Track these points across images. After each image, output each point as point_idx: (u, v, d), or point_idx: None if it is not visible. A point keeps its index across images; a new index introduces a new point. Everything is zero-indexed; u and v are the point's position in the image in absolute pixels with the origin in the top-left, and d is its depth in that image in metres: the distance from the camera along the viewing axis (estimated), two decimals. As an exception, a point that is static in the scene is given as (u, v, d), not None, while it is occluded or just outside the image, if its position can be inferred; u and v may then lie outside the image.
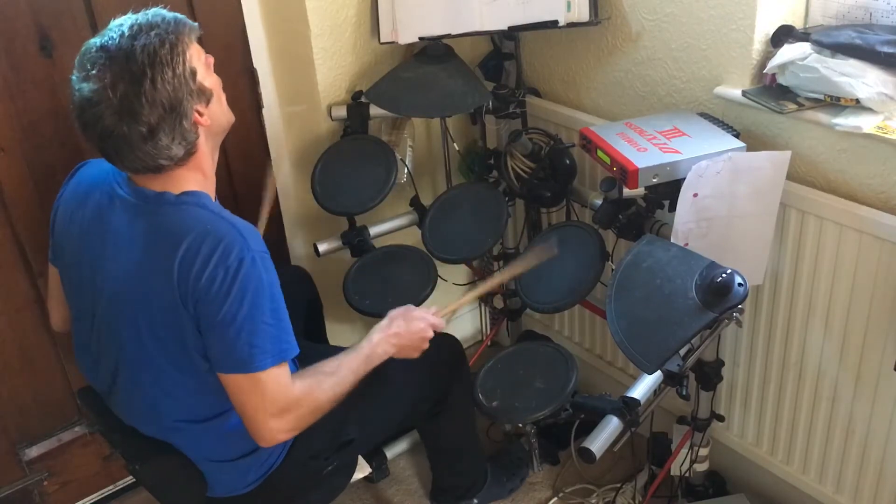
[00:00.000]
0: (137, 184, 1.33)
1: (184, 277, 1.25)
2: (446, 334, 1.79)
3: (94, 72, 1.21)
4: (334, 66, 1.95)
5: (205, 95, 1.29)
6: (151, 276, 1.28)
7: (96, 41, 1.23)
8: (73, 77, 1.24)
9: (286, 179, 2.12)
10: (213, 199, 1.37)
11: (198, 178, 1.34)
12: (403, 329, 1.50)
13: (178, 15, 1.29)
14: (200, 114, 1.29)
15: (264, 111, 2.02)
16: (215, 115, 1.33)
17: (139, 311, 1.31)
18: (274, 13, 1.93)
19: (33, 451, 1.95)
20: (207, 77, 1.30)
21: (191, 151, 1.30)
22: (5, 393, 1.87)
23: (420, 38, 1.88)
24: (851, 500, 1.73)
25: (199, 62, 1.28)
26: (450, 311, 1.60)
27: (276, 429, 1.32)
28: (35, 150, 1.72)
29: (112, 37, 1.22)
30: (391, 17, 1.87)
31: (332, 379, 1.40)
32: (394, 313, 1.54)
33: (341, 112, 1.96)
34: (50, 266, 1.52)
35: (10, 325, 1.83)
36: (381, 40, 1.91)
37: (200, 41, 1.32)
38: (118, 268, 1.32)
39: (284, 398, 1.32)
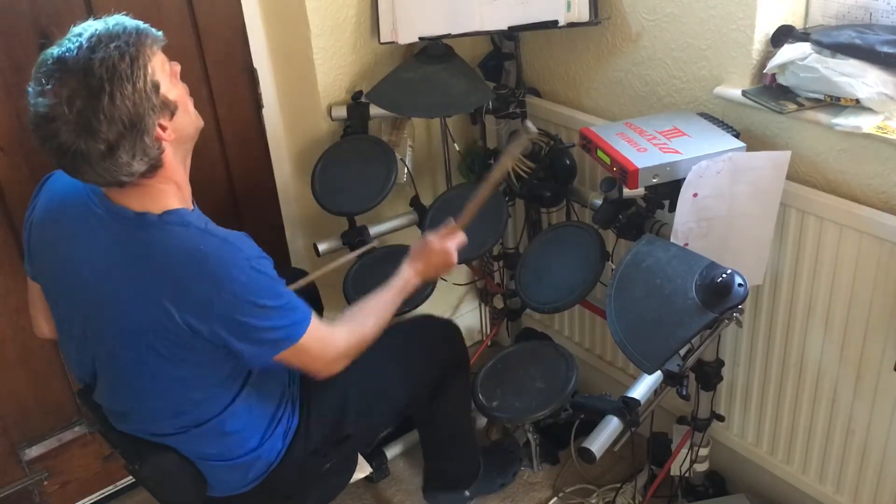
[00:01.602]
0: (113, 201, 1.28)
1: (188, 305, 1.24)
2: (444, 319, 1.79)
3: (49, 86, 1.14)
4: (334, 66, 1.95)
5: (169, 108, 1.23)
6: (144, 302, 1.25)
7: (53, 52, 1.17)
8: (30, 90, 1.17)
9: (286, 179, 2.12)
10: (192, 208, 1.34)
11: (172, 189, 1.30)
12: (423, 264, 1.57)
13: (141, 24, 1.21)
14: (164, 128, 1.23)
15: (264, 111, 2.02)
16: (181, 127, 1.27)
17: (131, 335, 1.29)
18: (274, 13, 1.93)
19: (33, 451, 1.95)
20: (172, 88, 1.24)
21: (156, 166, 1.25)
22: (5, 393, 1.87)
23: (420, 38, 1.88)
24: (851, 500, 1.73)
25: (162, 74, 1.22)
26: (467, 217, 1.60)
27: (333, 371, 1.41)
28: (35, 150, 1.69)
29: (70, 48, 1.15)
30: (391, 17, 1.87)
31: (372, 318, 1.47)
32: (414, 250, 1.59)
33: (341, 112, 1.96)
34: (29, 280, 1.48)
35: (10, 325, 1.83)
36: (381, 40, 1.91)
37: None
38: (106, 290, 1.29)
39: (333, 347, 1.39)
